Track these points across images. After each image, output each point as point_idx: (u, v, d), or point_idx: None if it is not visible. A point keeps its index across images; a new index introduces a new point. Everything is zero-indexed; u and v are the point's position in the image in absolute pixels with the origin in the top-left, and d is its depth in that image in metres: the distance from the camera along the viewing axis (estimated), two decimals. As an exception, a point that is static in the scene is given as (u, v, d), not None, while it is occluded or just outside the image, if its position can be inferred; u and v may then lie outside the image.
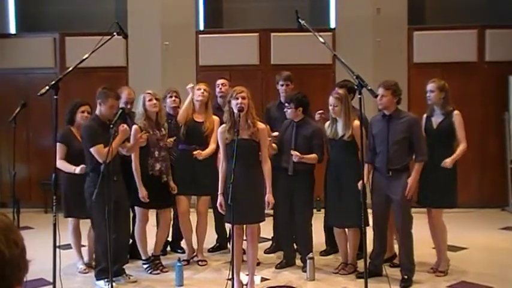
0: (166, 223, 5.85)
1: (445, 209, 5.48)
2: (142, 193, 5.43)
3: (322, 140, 5.57)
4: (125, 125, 5.18)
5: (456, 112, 5.38)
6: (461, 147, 5.32)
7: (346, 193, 5.33)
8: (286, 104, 5.62)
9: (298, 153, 5.36)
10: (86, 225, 5.70)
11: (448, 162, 5.21)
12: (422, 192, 5.40)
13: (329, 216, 5.62)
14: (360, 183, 4.91)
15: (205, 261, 5.99)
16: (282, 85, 6.21)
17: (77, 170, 5.26)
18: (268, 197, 4.87)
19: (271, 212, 6.10)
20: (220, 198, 4.87)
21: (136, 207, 5.62)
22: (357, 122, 5.25)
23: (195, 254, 6.02)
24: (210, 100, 5.97)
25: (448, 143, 5.35)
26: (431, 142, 5.27)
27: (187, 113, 5.82)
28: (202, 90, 5.85)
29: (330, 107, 5.38)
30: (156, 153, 5.59)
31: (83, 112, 5.56)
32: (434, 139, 5.31)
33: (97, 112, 5.22)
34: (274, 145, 5.49)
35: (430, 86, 5.40)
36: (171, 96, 6.21)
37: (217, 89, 6.33)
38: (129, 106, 5.90)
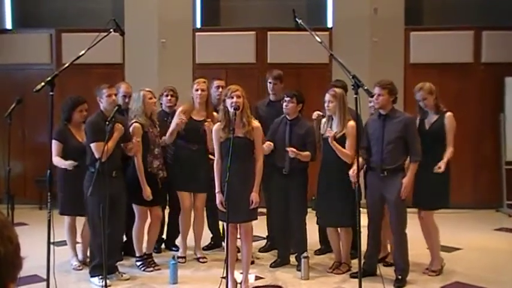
0: (157, 220, 5.84)
1: (435, 210, 5.49)
2: (147, 192, 5.44)
3: (314, 138, 5.60)
4: (120, 125, 5.19)
5: (449, 114, 5.38)
6: (448, 151, 5.31)
7: (336, 192, 5.35)
8: (287, 98, 5.60)
9: (294, 149, 5.37)
10: (80, 222, 5.70)
11: (442, 167, 5.21)
12: (415, 194, 5.40)
13: (319, 216, 5.62)
14: (351, 172, 4.95)
15: (205, 257, 6.01)
16: (271, 83, 6.23)
17: (66, 164, 5.31)
18: (253, 195, 4.84)
19: (265, 210, 6.14)
20: (219, 197, 4.83)
21: (134, 205, 5.62)
22: (352, 123, 5.26)
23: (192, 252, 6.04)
24: (209, 97, 5.97)
25: (440, 143, 5.33)
26: (424, 143, 5.26)
27: (188, 111, 5.85)
28: (200, 92, 5.83)
29: (325, 104, 5.39)
30: (156, 150, 5.62)
31: (81, 111, 5.53)
32: (426, 140, 5.29)
33: (101, 108, 5.26)
34: (269, 144, 5.48)
35: (421, 95, 5.36)
36: (167, 95, 6.22)
37: (217, 91, 6.19)
38: (127, 100, 5.89)
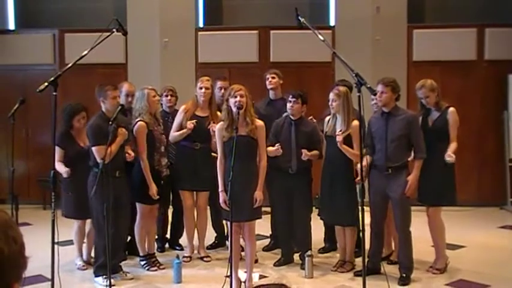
0: (153, 219, 5.85)
1: (442, 206, 5.48)
2: (153, 190, 5.46)
3: (320, 136, 5.60)
4: (124, 129, 5.18)
5: (451, 109, 5.37)
6: (452, 146, 5.29)
7: (339, 191, 5.36)
8: (292, 99, 5.59)
9: (307, 151, 5.38)
10: (88, 223, 5.71)
11: (451, 157, 5.18)
12: (421, 191, 5.40)
13: (323, 213, 5.64)
14: (357, 180, 4.94)
15: (209, 256, 6.01)
16: (268, 78, 6.21)
17: (63, 171, 5.34)
18: (257, 194, 4.83)
19: (269, 209, 6.13)
20: (223, 195, 4.83)
21: (138, 204, 5.63)
22: (356, 122, 5.25)
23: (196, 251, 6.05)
24: (213, 95, 5.96)
25: (443, 139, 5.31)
26: (427, 140, 5.25)
27: (191, 109, 5.84)
28: (204, 90, 5.82)
29: (329, 102, 5.39)
30: (162, 148, 5.63)
31: (79, 120, 5.51)
32: (430, 137, 5.28)
33: (102, 109, 5.24)
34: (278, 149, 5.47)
35: (423, 92, 5.36)
36: (166, 95, 6.23)
37: (219, 92, 6.11)
38: (130, 99, 5.87)
